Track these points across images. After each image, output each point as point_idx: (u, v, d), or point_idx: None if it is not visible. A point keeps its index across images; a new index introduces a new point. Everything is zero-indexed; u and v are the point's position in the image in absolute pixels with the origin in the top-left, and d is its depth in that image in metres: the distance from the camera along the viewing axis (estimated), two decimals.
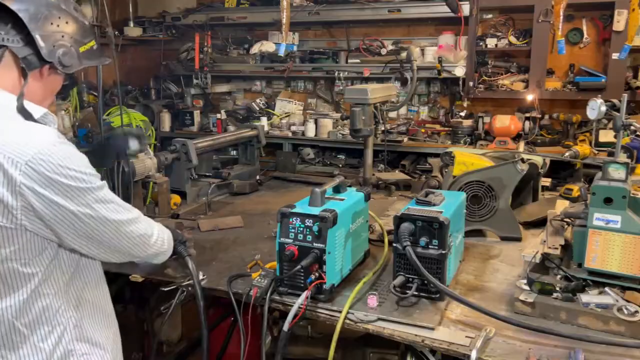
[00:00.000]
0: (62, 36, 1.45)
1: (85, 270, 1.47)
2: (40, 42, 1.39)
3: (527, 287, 1.71)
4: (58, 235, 1.34)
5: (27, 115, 1.36)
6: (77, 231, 1.35)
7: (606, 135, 3.43)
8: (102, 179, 1.41)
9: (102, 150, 2.43)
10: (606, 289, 1.64)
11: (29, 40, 1.38)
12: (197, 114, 5.10)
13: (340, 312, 1.64)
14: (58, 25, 1.45)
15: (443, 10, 4.03)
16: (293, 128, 4.75)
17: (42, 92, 1.48)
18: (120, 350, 1.61)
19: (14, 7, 1.36)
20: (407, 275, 1.72)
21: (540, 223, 2.38)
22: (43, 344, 1.37)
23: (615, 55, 3.61)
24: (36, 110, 1.40)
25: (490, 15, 4.35)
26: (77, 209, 1.33)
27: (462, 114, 4.41)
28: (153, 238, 1.61)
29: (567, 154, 2.87)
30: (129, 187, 2.51)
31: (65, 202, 1.30)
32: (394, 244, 1.72)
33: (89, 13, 3.94)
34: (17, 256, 1.30)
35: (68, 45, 1.46)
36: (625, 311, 1.54)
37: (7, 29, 1.37)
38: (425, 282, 1.68)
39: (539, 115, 4.02)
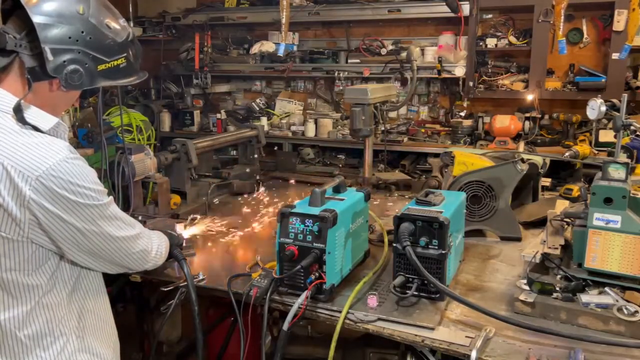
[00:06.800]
0: (79, 52, 1.36)
1: (86, 279, 1.47)
2: (49, 56, 1.31)
3: (527, 287, 1.71)
4: (60, 248, 1.34)
5: (23, 121, 1.30)
6: (79, 246, 1.35)
7: (606, 135, 3.43)
8: (108, 194, 1.41)
9: None
10: (606, 289, 1.63)
11: (40, 51, 1.31)
12: (197, 114, 5.10)
13: (340, 312, 1.64)
14: (77, 40, 1.35)
15: (443, 10, 4.03)
16: (293, 128, 4.75)
17: (54, 103, 1.42)
18: (119, 359, 1.61)
19: (35, 18, 1.28)
20: (407, 275, 1.71)
21: (540, 223, 2.37)
22: (46, 354, 1.36)
23: (615, 55, 3.61)
24: (48, 120, 1.36)
25: (490, 15, 4.35)
26: (82, 225, 1.32)
27: (462, 114, 4.41)
28: (152, 253, 1.62)
29: (567, 154, 2.86)
30: (129, 187, 2.51)
31: (71, 219, 1.30)
32: (394, 244, 1.72)
33: None
34: (21, 267, 1.30)
35: (83, 63, 1.37)
36: (625, 311, 1.54)
37: (22, 35, 1.31)
38: (425, 282, 1.68)
39: (539, 115, 4.01)
